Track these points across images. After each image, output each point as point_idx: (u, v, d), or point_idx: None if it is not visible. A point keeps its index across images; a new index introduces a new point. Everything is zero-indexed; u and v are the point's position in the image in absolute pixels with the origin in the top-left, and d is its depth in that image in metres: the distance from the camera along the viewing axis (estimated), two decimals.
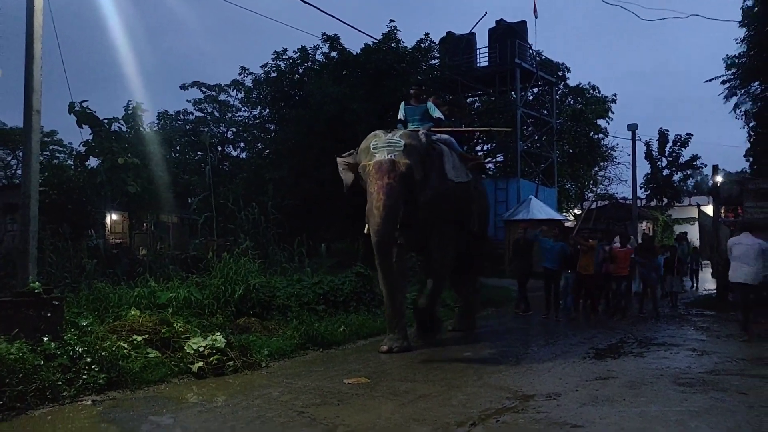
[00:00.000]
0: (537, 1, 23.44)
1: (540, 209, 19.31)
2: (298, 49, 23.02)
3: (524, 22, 24.95)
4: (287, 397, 5.63)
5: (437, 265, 8.27)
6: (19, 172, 33.12)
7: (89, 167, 20.75)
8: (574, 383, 5.98)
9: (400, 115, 9.11)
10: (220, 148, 31.33)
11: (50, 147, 30.39)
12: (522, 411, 5.09)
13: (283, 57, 23.14)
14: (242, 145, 31.16)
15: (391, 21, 21.03)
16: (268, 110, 24.42)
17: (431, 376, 6.42)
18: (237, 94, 29.62)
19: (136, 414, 5.18)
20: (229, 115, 31.36)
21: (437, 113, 8.88)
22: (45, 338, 5.83)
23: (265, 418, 5.02)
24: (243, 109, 29.47)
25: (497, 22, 25.30)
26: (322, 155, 17.76)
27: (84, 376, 5.65)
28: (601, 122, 26.83)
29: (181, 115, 31.17)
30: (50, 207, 17.68)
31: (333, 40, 22.08)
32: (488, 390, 5.82)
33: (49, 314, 6.06)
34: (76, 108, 20.03)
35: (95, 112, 20.18)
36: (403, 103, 9.22)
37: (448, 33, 25.05)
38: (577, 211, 29.81)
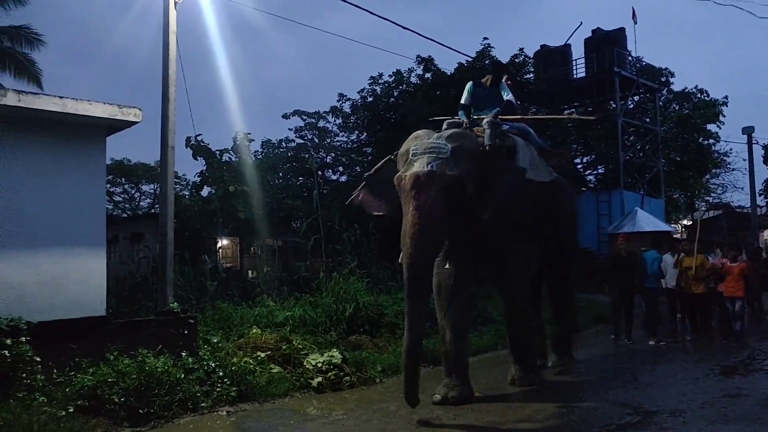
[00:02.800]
0: (636, 7, 22.68)
1: (647, 221, 18.49)
2: (393, 72, 23.67)
3: (622, 29, 24.18)
4: (404, 411, 5.81)
5: (514, 292, 6.62)
6: (142, 203, 36.09)
7: (203, 196, 22.30)
8: (700, 400, 5.76)
9: (465, 100, 7.14)
10: (320, 173, 32.58)
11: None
12: (646, 427, 4.98)
13: (379, 81, 23.87)
14: (341, 169, 32.31)
15: (485, 39, 21.16)
16: (365, 134, 25.15)
17: (545, 393, 6.39)
18: (335, 120, 30.74)
19: (266, 425, 5.57)
20: (328, 140, 32.53)
21: (508, 94, 7.07)
22: (183, 354, 6.40)
23: (386, 430, 5.23)
24: (341, 134, 30.58)
25: (593, 31, 24.69)
26: None
27: (218, 389, 6.13)
28: (711, 127, 25.34)
29: (283, 143, 32.79)
30: None
31: (427, 62, 22.52)
32: (607, 405, 5.73)
33: (186, 332, 6.66)
34: (192, 142, 21.71)
35: (208, 144, 21.76)
36: (470, 84, 7.25)
37: (543, 46, 24.73)
38: (686, 222, 28.21)
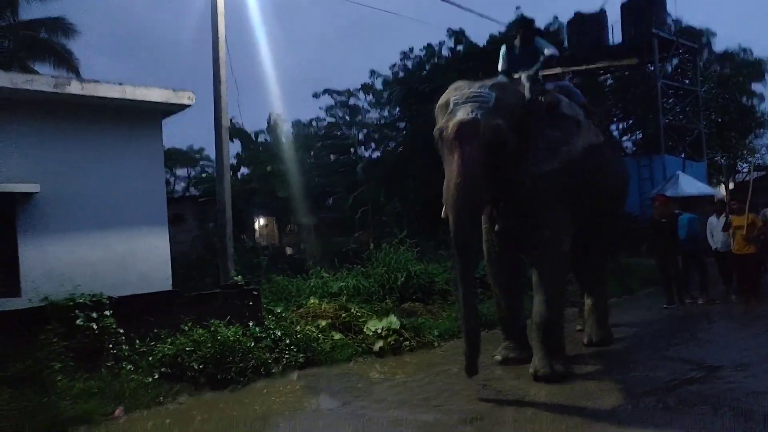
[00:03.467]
0: None
1: (690, 184, 18.18)
2: (424, 46, 23.52)
3: None
4: None
5: (549, 266, 5.81)
6: (176, 187, 36.77)
7: (241, 176, 22.76)
8: (763, 353, 5.79)
9: (502, 65, 6.77)
10: (353, 150, 32.75)
11: (200, 163, 33.46)
12: (712, 381, 5.06)
13: (410, 56, 23.76)
14: (373, 145, 32.40)
15: (517, 8, 20.85)
16: (398, 109, 25.13)
17: (602, 353, 6.48)
18: (366, 97, 30.72)
19: (337, 387, 5.82)
20: (360, 117, 32.58)
21: (550, 49, 6.51)
22: (250, 324, 6.69)
23: (452, 390, 5.42)
24: (372, 111, 30.59)
25: None
26: None
27: (286, 356, 6.40)
28: (756, 87, 24.59)
29: (314, 122, 32.99)
30: (204, 214, 19.73)
31: (458, 34, 22.33)
32: (669, 362, 5.81)
33: (250, 303, 6.94)
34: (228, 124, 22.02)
35: (243, 125, 22.15)
36: (503, 48, 6.90)
37: (576, 14, 24.23)
38: (731, 185, 27.55)
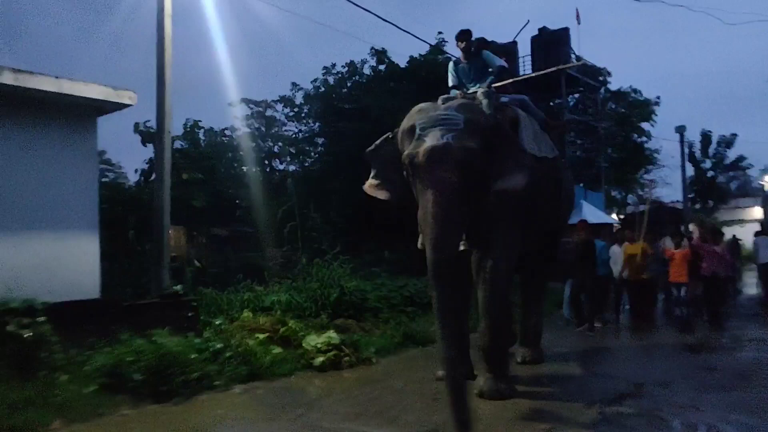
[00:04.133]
0: (580, 8, 23.77)
1: (593, 213, 19.50)
2: (346, 63, 23.80)
3: (566, 29, 25.26)
4: (412, 387, 6.12)
5: (497, 285, 5.67)
6: None
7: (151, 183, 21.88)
8: (681, 373, 6.38)
9: (452, 81, 6.71)
10: (266, 162, 32.30)
11: (100, 167, 31.67)
12: (641, 397, 5.52)
13: (332, 71, 23.93)
14: (288, 159, 32.12)
15: (440, 33, 21.68)
16: (318, 124, 25.18)
17: (537, 370, 6.81)
18: (283, 109, 30.49)
19: (286, 399, 5.76)
20: (275, 129, 32.25)
21: (498, 60, 6.48)
22: (189, 335, 6.48)
23: (404, 404, 5.49)
24: (288, 123, 30.39)
25: (540, 30, 25.66)
26: None
27: (228, 368, 6.25)
28: (644, 125, 26.96)
29: (227, 131, 32.25)
30: (110, 222, 18.73)
31: (381, 53, 22.80)
32: (600, 379, 6.25)
33: (189, 314, 6.73)
34: (141, 128, 21.25)
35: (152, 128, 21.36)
36: (451, 64, 6.82)
37: (491, 42, 25.48)
38: (621, 216, 29.83)
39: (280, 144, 32.55)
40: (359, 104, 21.39)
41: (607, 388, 5.83)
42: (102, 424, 4.95)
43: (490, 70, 6.46)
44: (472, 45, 6.60)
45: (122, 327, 6.14)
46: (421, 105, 5.54)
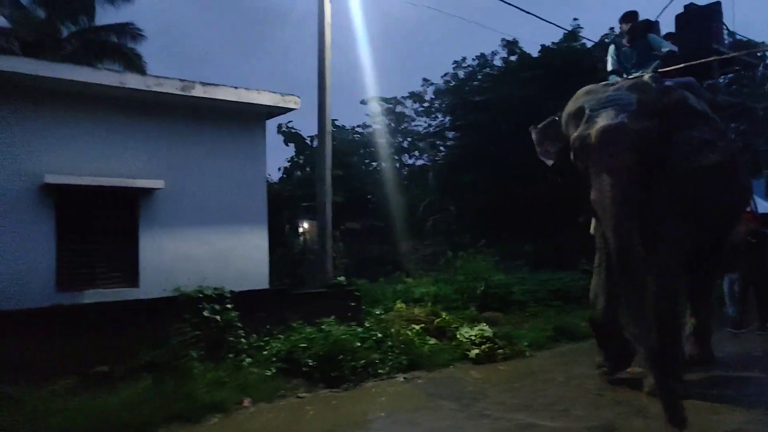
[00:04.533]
0: None
1: (760, 203, 17.85)
2: (477, 56, 23.65)
3: (718, 3, 23.24)
4: (574, 381, 6.04)
5: (664, 281, 5.30)
6: None
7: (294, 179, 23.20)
8: None
9: (611, 65, 6.43)
10: (397, 158, 33.00)
11: None
12: None
13: (463, 65, 23.89)
14: (417, 153, 32.59)
15: (575, 19, 20.85)
16: (448, 118, 25.26)
17: (708, 372, 6.38)
18: (412, 105, 30.92)
19: (448, 389, 5.92)
20: (405, 125, 32.78)
21: (667, 44, 6.18)
22: (352, 324, 6.85)
23: (569, 397, 5.46)
24: (418, 119, 30.78)
25: (686, 6, 23.83)
26: (509, 160, 18.23)
27: (390, 357, 6.53)
28: None
29: (358, 128, 33.32)
30: None
31: (512, 44, 22.39)
32: None
33: (352, 303, 7.10)
34: (284, 129, 22.54)
35: (300, 131, 22.56)
36: (612, 48, 6.57)
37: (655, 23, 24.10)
38: None
39: (410, 139, 33.12)
40: (490, 96, 21.18)
41: None
42: (282, 405, 5.40)
43: (656, 53, 6.12)
44: (638, 27, 6.31)
45: (293, 315, 6.64)
46: (589, 87, 5.39)
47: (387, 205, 20.25)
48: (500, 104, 19.78)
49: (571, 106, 5.34)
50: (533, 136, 6.05)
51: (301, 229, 27.81)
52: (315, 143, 23.76)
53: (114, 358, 5.32)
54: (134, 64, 20.07)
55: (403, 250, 17.50)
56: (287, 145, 23.16)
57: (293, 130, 22.86)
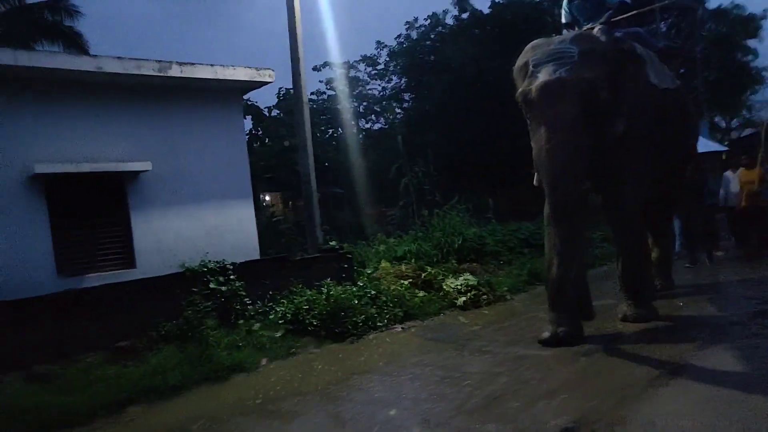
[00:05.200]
0: None
1: (701, 142, 18.83)
2: (428, 15, 23.84)
3: None
4: None
5: (629, 216, 5.80)
6: None
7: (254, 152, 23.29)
8: None
9: (565, 18, 6.83)
10: (353, 123, 33.13)
11: None
12: None
13: (415, 26, 24.07)
14: (373, 117, 32.80)
15: None
16: (403, 80, 25.49)
17: (671, 299, 7.12)
18: (366, 69, 30.95)
19: (444, 333, 6.44)
20: (359, 89, 32.83)
21: None
22: (347, 284, 7.27)
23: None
24: (372, 82, 30.89)
25: None
26: (466, 117, 18.77)
27: (386, 311, 6.99)
28: (751, 43, 25.24)
29: (312, 95, 33.21)
30: None
31: (462, 2, 22.65)
32: (740, 300, 6.53)
33: (345, 265, 7.51)
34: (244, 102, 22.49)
35: (256, 102, 22.47)
36: (565, 1, 6.87)
37: None
38: (726, 143, 28.49)
39: (365, 103, 33.22)
40: (443, 56, 21.51)
41: (746, 307, 6.10)
42: (296, 361, 5.81)
43: (608, 4, 6.49)
44: None
45: (292, 280, 7.01)
46: (535, 41, 5.47)
47: (349, 171, 20.57)
48: (453, 63, 20.16)
49: (519, 61, 5.43)
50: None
51: (264, 202, 27.91)
52: (273, 113, 23.69)
53: (133, 333, 5.64)
54: (75, 42, 19.49)
55: (376, 213, 17.97)
56: (244, 117, 23.10)
57: (250, 102, 22.75)
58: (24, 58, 6.41)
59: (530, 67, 5.13)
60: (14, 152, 6.56)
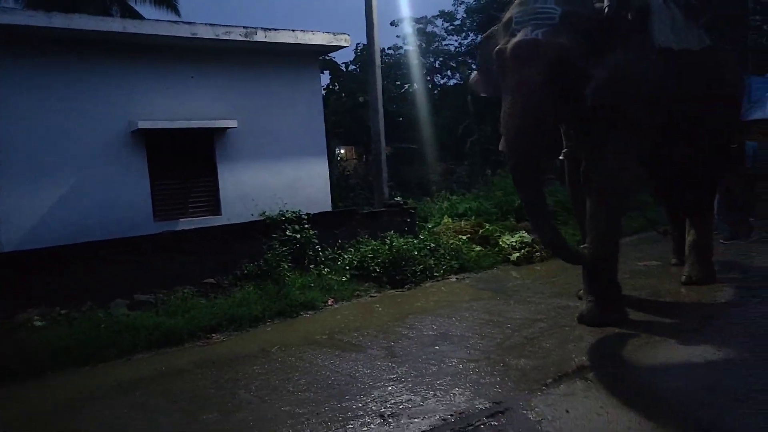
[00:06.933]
0: None
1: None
2: None
3: None
4: None
5: (604, 198, 5.08)
6: None
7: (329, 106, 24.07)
8: None
9: None
10: (428, 78, 33.25)
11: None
12: None
13: None
14: (449, 73, 32.76)
15: None
16: (479, 36, 25.35)
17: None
18: (443, 24, 30.82)
19: (495, 284, 7.02)
20: (436, 45, 32.76)
21: None
22: (409, 237, 7.93)
23: None
24: (449, 38, 30.76)
25: None
26: None
27: (443, 263, 7.62)
28: None
29: (389, 50, 33.43)
30: None
31: None
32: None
33: (408, 219, 8.17)
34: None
35: (334, 58, 23.08)
36: None
37: None
38: None
39: (441, 59, 33.15)
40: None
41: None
42: (359, 303, 6.56)
43: None
44: None
45: (360, 231, 7.74)
46: None
47: (421, 127, 20.95)
48: None
49: (505, 16, 4.98)
50: (477, 56, 5.93)
51: (338, 156, 28.82)
52: (350, 68, 24.22)
53: (218, 272, 6.56)
54: (170, 4, 20.62)
55: (443, 169, 18.40)
56: (322, 72, 23.77)
57: (327, 58, 23.34)
58: (131, 26, 7.29)
59: (512, 24, 4.78)
60: (122, 110, 7.52)
